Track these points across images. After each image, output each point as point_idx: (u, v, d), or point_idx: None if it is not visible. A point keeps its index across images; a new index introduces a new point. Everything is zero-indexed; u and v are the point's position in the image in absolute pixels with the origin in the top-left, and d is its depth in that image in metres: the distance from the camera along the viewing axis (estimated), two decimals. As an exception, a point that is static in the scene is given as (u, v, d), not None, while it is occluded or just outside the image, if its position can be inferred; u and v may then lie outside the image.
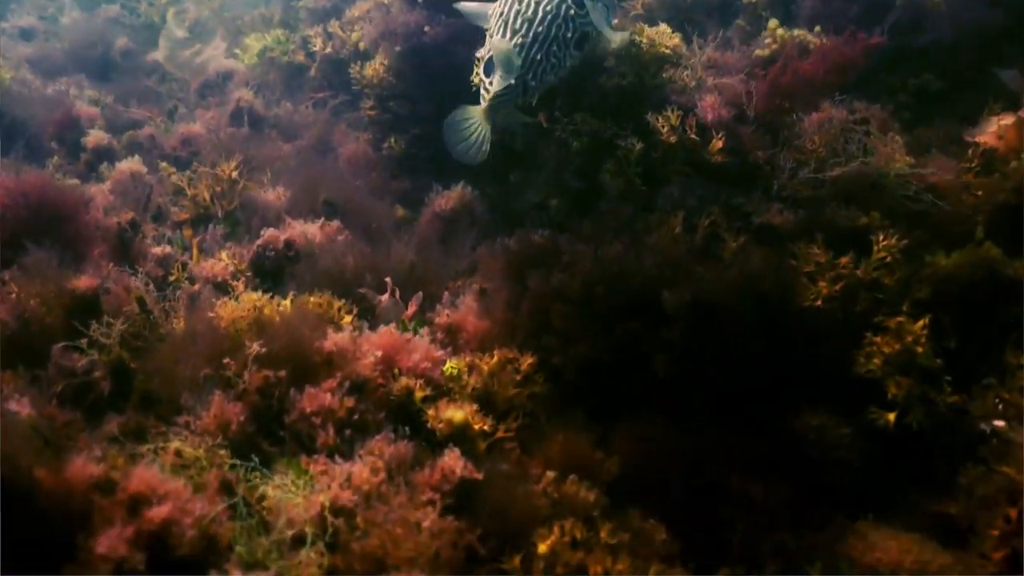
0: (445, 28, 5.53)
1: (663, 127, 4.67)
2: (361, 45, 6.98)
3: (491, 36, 4.51)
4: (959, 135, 5.01)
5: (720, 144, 4.58)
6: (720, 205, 4.55)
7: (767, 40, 5.29)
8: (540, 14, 4.45)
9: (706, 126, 4.67)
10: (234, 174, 5.35)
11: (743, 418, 3.98)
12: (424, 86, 5.76)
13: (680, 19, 6.22)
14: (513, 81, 4.38)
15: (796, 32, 5.26)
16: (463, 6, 4.73)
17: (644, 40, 5.04)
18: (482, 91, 4.47)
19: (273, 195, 5.42)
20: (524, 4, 4.47)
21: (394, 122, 5.88)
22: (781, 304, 4.09)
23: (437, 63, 5.51)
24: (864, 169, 4.47)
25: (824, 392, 4.05)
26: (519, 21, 4.44)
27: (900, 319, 3.96)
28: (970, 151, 4.61)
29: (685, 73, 5.02)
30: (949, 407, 3.84)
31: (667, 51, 5.06)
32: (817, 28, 5.32)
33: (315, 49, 7.37)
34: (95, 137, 6.58)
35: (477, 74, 4.58)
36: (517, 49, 4.39)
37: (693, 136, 4.63)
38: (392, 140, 5.77)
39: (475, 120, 4.47)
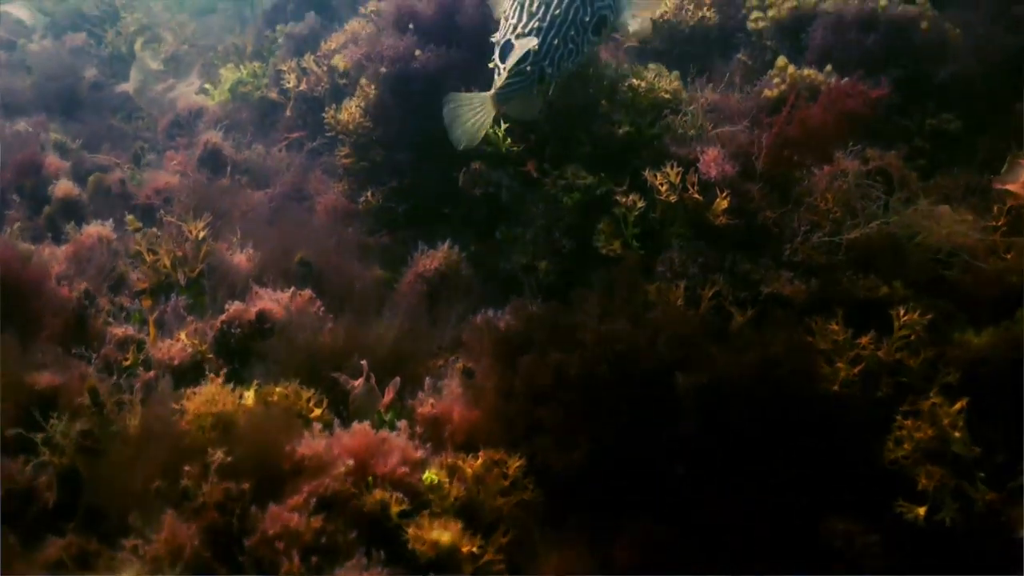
0: (437, 58, 5.19)
1: (662, 185, 4.36)
2: (343, 65, 6.67)
3: (507, 19, 4.37)
4: (981, 184, 4.72)
5: (725, 204, 4.27)
6: (725, 273, 4.24)
7: (775, 80, 4.99)
8: None
9: (709, 183, 4.36)
10: (201, 233, 5.01)
11: (761, 520, 3.65)
12: (407, 123, 5.42)
13: (677, 51, 5.94)
14: (529, 68, 4.23)
15: (806, 72, 4.94)
16: None
17: (641, 84, 4.74)
18: (496, 77, 4.29)
19: (242, 257, 5.09)
20: None
21: (371, 172, 5.54)
22: (799, 388, 3.76)
23: (424, 96, 5.17)
24: (884, 231, 4.16)
25: (848, 485, 3.72)
26: (535, 4, 4.29)
27: (934, 400, 3.64)
28: (995, 208, 4.29)
29: (685, 120, 4.72)
30: (987, 505, 3.51)
31: (666, 96, 4.77)
32: (828, 68, 5.01)
33: (288, 86, 7.01)
34: (63, 188, 6.21)
35: (492, 60, 4.36)
36: (534, 33, 4.26)
37: (695, 195, 4.33)
38: (369, 193, 5.43)
39: (477, 105, 4.31)
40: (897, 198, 4.26)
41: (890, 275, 4.06)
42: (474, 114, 4.32)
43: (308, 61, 6.96)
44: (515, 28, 4.32)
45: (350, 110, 5.54)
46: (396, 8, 5.46)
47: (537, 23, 4.28)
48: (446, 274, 4.95)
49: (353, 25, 7.13)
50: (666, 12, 5.91)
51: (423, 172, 5.41)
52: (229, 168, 6.67)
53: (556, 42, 4.29)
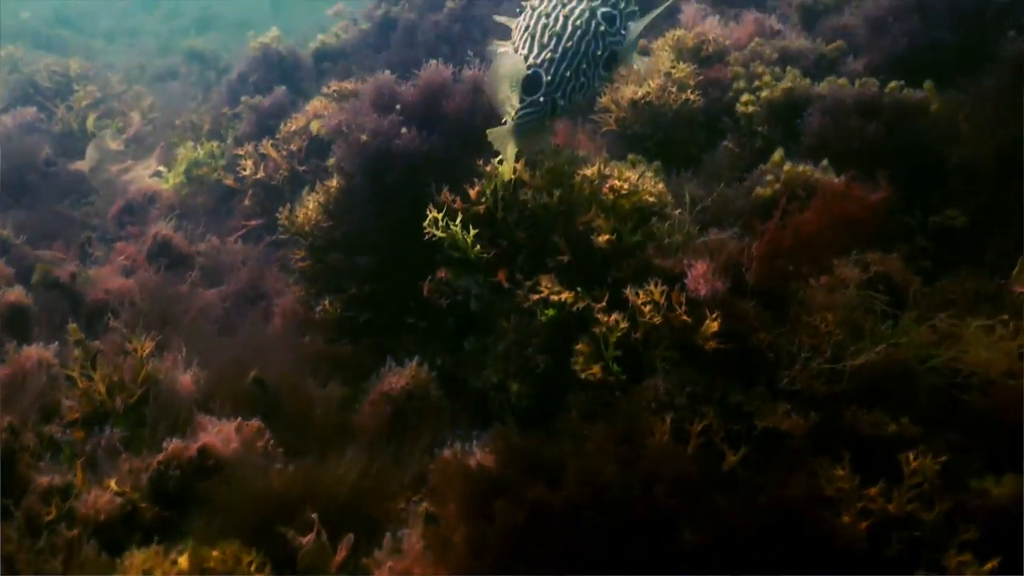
0: (420, 143, 4.87)
1: (645, 305, 4.03)
2: (317, 128, 6.35)
3: (517, 50, 4.39)
4: (992, 289, 4.43)
5: (715, 327, 3.93)
6: (715, 404, 3.89)
7: (768, 177, 4.68)
8: (570, 29, 4.33)
9: (697, 301, 4.03)
10: (146, 350, 4.66)
11: None
12: (377, 215, 5.09)
13: (660, 136, 5.65)
14: (542, 99, 4.28)
15: (801, 169, 4.63)
16: (498, 19, 4.69)
17: (623, 186, 4.42)
18: (507, 108, 4.33)
19: (187, 379, 4.73)
20: (552, 18, 4.35)
21: (330, 277, 5.20)
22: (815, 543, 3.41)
23: (400, 184, 4.87)
24: (892, 356, 3.83)
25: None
26: (547, 36, 4.33)
27: (961, 558, 3.29)
28: (1011, 324, 3.97)
29: (671, 226, 4.41)
30: None
31: (650, 199, 4.44)
32: (824, 162, 4.70)
33: (245, 174, 6.68)
34: (11, 296, 5.84)
35: (501, 92, 4.38)
36: (546, 65, 4.30)
37: (683, 316, 3.99)
38: (327, 302, 5.09)
39: (498, 141, 4.36)
40: (907, 316, 3.92)
41: (899, 407, 3.72)
42: (501, 152, 4.37)
43: (266, 147, 6.64)
44: (526, 60, 4.33)
45: (307, 209, 5.21)
46: (376, 88, 5.17)
47: (549, 54, 4.29)
48: (413, 394, 4.61)
49: (315, 104, 6.85)
50: (648, 94, 5.62)
51: (386, 278, 5.09)
52: (182, 264, 6.32)
53: (568, 74, 4.31)
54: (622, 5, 4.55)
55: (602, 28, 4.42)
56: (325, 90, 6.77)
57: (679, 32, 5.92)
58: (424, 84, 5.11)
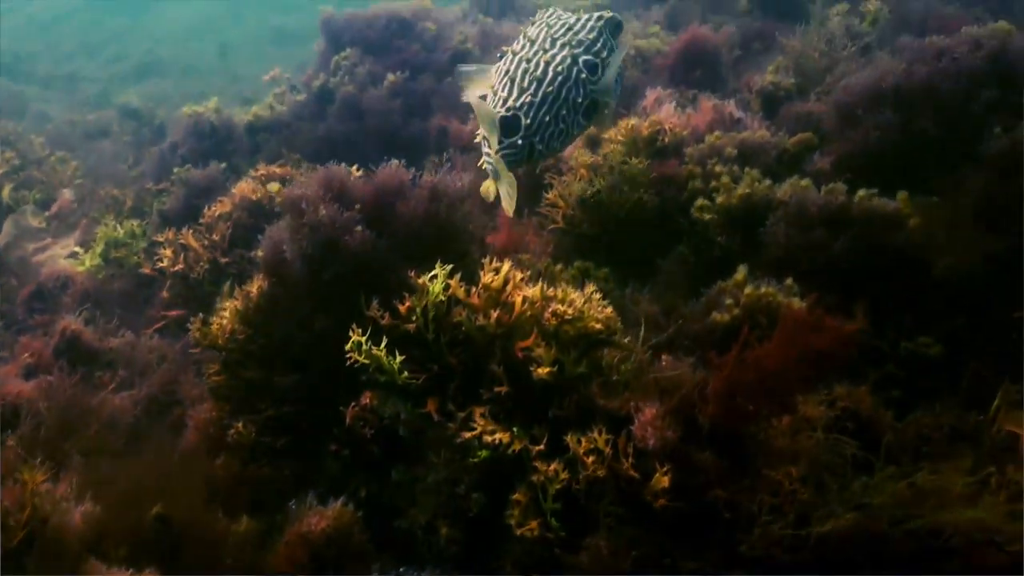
0: (372, 246, 4.56)
1: (588, 455, 3.66)
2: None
3: (495, 93, 4.44)
4: (969, 425, 4.12)
5: (665, 483, 3.58)
6: (666, 570, 3.52)
7: (727, 301, 4.34)
8: (551, 74, 4.45)
9: (646, 452, 3.67)
10: (36, 482, 4.22)
11: None
12: (300, 325, 4.70)
13: (609, 237, 5.31)
14: (520, 142, 4.34)
15: (764, 291, 4.30)
16: (463, 67, 4.72)
17: (567, 311, 4.06)
18: (485, 149, 4.41)
19: (78, 515, 4.28)
20: (533, 63, 4.46)
21: (245, 396, 4.78)
22: None
23: (338, 280, 4.57)
24: (863, 521, 3.48)
25: None
26: (527, 80, 4.41)
27: None
28: (992, 478, 3.65)
29: (619, 358, 4.06)
30: None
31: (597, 326, 4.07)
32: (789, 280, 4.38)
33: (162, 264, 6.25)
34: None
35: (479, 133, 4.47)
36: (525, 109, 4.35)
37: (630, 471, 3.63)
38: (240, 424, 4.66)
39: (501, 173, 4.38)
40: (880, 475, 3.58)
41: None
42: (503, 186, 4.40)
43: (186, 236, 6.22)
44: (505, 102, 4.39)
45: (222, 320, 4.80)
46: (325, 179, 4.77)
47: (529, 97, 4.38)
48: (334, 539, 4.20)
49: (243, 187, 6.44)
50: (599, 192, 5.29)
51: (308, 398, 4.68)
52: (92, 362, 5.89)
53: (547, 119, 4.40)
54: (604, 54, 4.68)
55: (583, 76, 4.52)
56: (253, 172, 6.38)
57: (633, 121, 5.59)
58: (380, 183, 4.78)
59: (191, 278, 6.12)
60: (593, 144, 5.78)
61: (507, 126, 4.38)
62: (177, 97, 16.49)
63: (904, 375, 4.42)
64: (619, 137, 5.57)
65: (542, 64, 4.47)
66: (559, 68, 4.48)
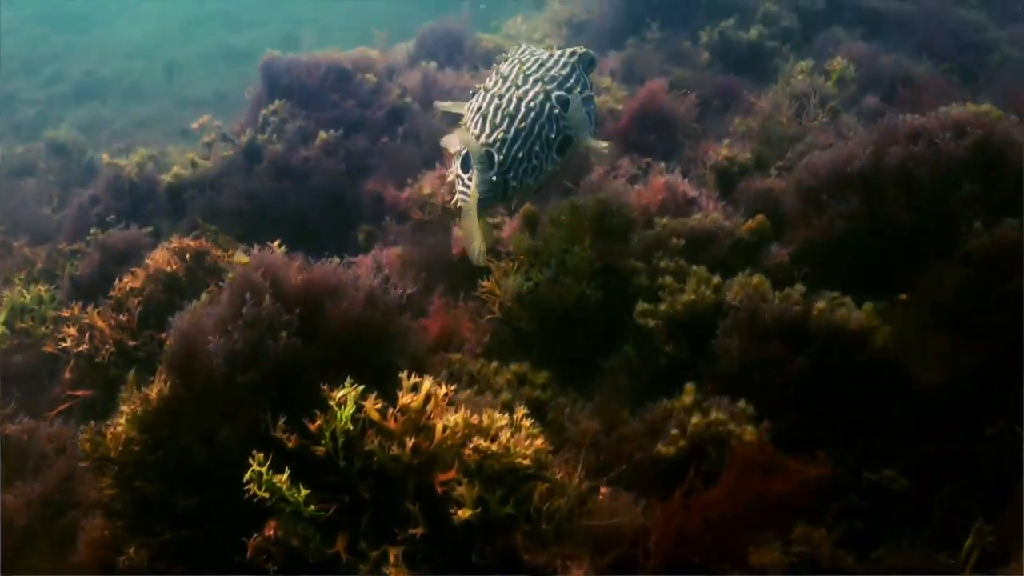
0: (298, 352, 4.17)
1: (510, 624, 3.27)
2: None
3: (467, 129, 4.43)
4: (939, 567, 3.79)
5: (596, 661, 3.18)
6: None
7: (673, 431, 3.97)
8: (523, 111, 4.45)
9: (576, 619, 3.29)
10: None
11: None
12: (204, 438, 4.27)
13: (549, 334, 4.94)
14: (494, 178, 4.33)
15: (714, 416, 3.93)
16: (439, 104, 4.89)
17: (492, 447, 3.66)
18: (459, 188, 4.40)
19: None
20: (505, 99, 4.46)
21: (139, 516, 4.35)
22: None
23: (254, 390, 4.15)
24: None
25: None
26: (499, 116, 4.42)
27: None
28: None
29: (548, 502, 3.67)
30: None
31: (525, 463, 3.67)
32: (742, 404, 4.02)
33: (65, 345, 5.79)
34: None
35: (453, 171, 4.50)
36: (497, 145, 4.35)
37: (556, 645, 3.23)
38: (132, 550, 4.23)
39: (471, 216, 4.33)
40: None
41: None
42: (470, 231, 4.36)
43: (92, 316, 5.76)
44: (477, 139, 4.38)
45: (116, 428, 4.36)
46: (258, 262, 4.42)
47: (501, 134, 4.38)
48: None
49: (157, 257, 5.99)
50: (538, 284, 4.92)
51: (210, 520, 4.25)
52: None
53: (520, 155, 4.40)
54: (577, 90, 4.71)
55: (556, 111, 4.54)
56: (167, 244, 5.94)
57: (578, 200, 5.22)
58: (315, 281, 4.39)
59: (96, 363, 5.66)
60: (534, 223, 5.39)
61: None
62: (116, 124, 16.01)
63: (867, 505, 4.06)
64: (562, 218, 5.19)
65: (514, 100, 4.47)
66: (531, 104, 4.48)
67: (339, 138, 7.57)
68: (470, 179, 4.38)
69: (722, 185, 5.82)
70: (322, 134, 7.53)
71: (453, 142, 4.62)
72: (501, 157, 4.36)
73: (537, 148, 4.46)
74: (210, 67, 21.23)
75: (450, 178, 4.58)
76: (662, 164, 6.14)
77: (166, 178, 7.60)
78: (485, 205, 4.40)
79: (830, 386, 4.16)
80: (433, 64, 9.40)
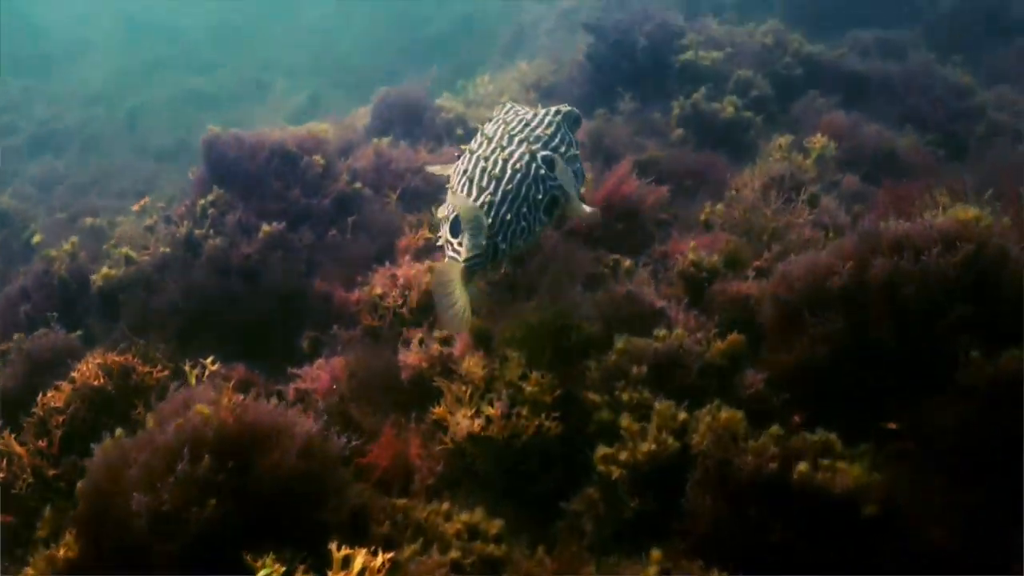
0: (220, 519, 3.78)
1: None
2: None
3: (454, 193, 4.41)
4: None
5: None
6: None
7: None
8: (509, 172, 4.43)
9: None
10: None
11: None
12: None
13: (504, 477, 4.59)
14: (484, 242, 4.25)
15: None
16: (428, 168, 4.94)
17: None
18: (449, 253, 4.32)
19: None
20: (491, 161, 4.44)
21: None
22: None
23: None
24: None
25: None
26: (486, 179, 4.40)
27: None
28: None
29: None
30: None
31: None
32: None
33: (-21, 475, 5.35)
34: None
35: (441, 236, 4.43)
36: (485, 208, 4.30)
37: None
38: None
39: (455, 282, 4.20)
40: None
41: None
42: (451, 297, 4.19)
43: (9, 441, 5.30)
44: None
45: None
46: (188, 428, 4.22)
47: (489, 196, 4.35)
48: None
49: (84, 371, 5.57)
50: (490, 424, 4.57)
51: None
52: None
53: (508, 217, 4.34)
54: (563, 149, 4.71)
55: (542, 172, 4.50)
56: (91, 358, 5.53)
57: (533, 317, 4.87)
58: (248, 425, 4.07)
59: (13, 492, 5.24)
60: (488, 340, 5.02)
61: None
62: (72, 179, 15.52)
63: None
64: (518, 335, 4.85)
65: (500, 161, 4.45)
66: (517, 166, 4.46)
67: (283, 231, 7.17)
68: (459, 244, 4.29)
69: (691, 291, 5.45)
70: (264, 227, 7.10)
71: (444, 209, 4.55)
72: (489, 220, 4.30)
73: (525, 209, 4.42)
74: (175, 112, 20.77)
75: (439, 243, 4.48)
76: (628, 263, 5.77)
77: (97, 280, 7.11)
78: (475, 270, 4.29)
79: (820, 549, 3.80)
80: (387, 141, 9.00)
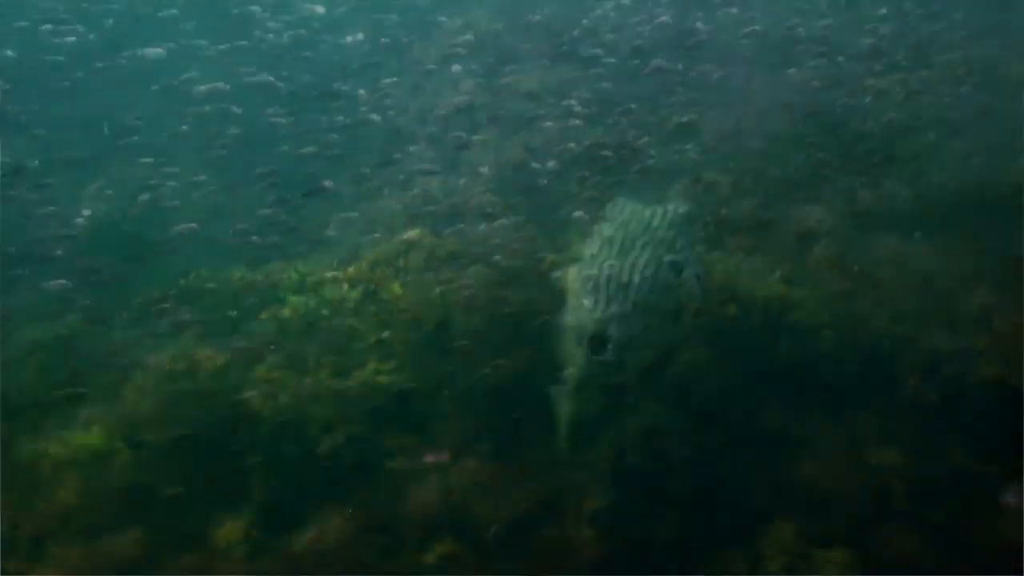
0: None
1: None
2: None
3: (582, 302, 4.39)
4: None
5: None
6: None
7: None
8: (638, 280, 4.42)
9: None
10: None
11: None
12: None
13: None
14: (611, 358, 4.22)
15: None
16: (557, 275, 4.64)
17: None
18: (570, 369, 4.34)
19: None
20: (616, 268, 4.42)
21: None
22: None
23: None
24: None
25: None
26: (613, 286, 4.37)
27: None
28: None
29: None
30: None
31: None
32: None
33: None
34: None
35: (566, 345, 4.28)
36: (613, 320, 4.29)
37: None
38: None
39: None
40: None
41: None
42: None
43: None
44: (591, 313, 4.42)
45: None
46: None
47: (618, 307, 4.39)
48: None
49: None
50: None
51: None
52: None
53: (637, 329, 4.41)
54: (684, 252, 4.64)
55: (671, 277, 4.49)
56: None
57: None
58: None
59: None
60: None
61: (595, 342, 4.39)
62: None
63: None
64: None
65: (627, 268, 4.46)
66: (645, 272, 4.48)
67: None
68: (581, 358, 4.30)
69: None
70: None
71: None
72: (615, 333, 4.27)
73: (655, 320, 4.38)
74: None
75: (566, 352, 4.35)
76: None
77: None
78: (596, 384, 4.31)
79: None
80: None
